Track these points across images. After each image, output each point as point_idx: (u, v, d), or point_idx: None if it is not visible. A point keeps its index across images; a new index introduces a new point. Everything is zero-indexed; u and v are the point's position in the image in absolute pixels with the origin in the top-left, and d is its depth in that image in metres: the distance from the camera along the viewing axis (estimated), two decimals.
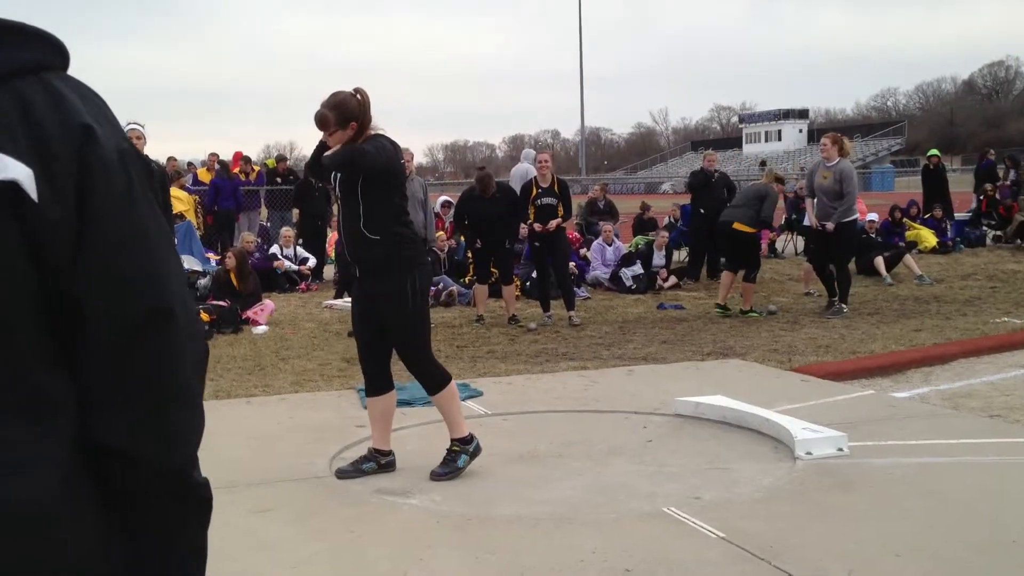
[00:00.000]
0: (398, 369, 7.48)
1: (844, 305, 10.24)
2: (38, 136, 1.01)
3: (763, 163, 14.25)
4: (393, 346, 4.81)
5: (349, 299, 11.52)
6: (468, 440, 4.85)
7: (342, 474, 4.79)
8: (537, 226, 9.72)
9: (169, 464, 1.11)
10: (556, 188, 9.86)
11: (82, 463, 1.06)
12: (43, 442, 1.01)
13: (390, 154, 4.60)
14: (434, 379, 4.78)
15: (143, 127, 8.55)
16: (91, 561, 1.06)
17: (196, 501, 1.16)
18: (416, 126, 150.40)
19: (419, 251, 4.81)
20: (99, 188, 1.04)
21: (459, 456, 4.83)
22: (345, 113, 4.52)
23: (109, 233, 1.05)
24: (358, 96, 4.59)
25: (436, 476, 4.75)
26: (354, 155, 4.50)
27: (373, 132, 4.64)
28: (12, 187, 0.97)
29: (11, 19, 1.04)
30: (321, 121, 4.55)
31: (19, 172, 0.98)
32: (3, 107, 1.00)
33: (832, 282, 10.43)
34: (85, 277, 1.04)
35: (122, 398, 1.07)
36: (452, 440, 4.85)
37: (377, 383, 4.83)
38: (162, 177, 8.85)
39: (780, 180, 11.13)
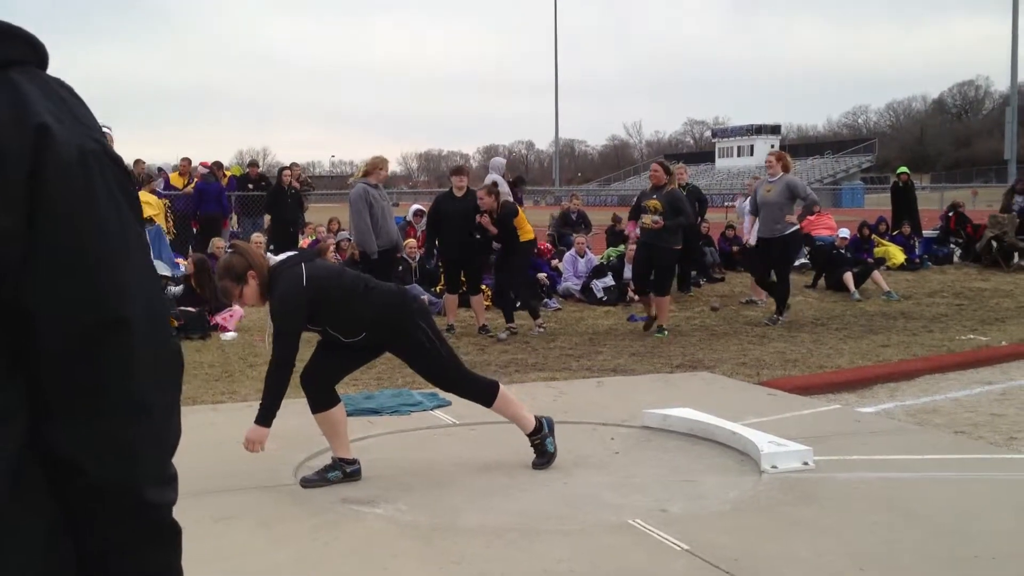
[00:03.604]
0: (367, 378, 7.46)
1: (781, 316, 10.61)
2: None
3: (755, 179, 14.57)
4: (430, 381, 5.07)
5: None
6: (539, 428, 5.06)
7: (307, 483, 4.76)
8: (484, 220, 9.82)
9: (115, 479, 1.05)
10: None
11: (36, 476, 1.02)
12: None
13: (293, 300, 4.57)
14: (482, 393, 4.96)
15: (110, 129, 8.48)
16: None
17: (152, 523, 1.10)
18: (390, 134, 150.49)
19: (400, 308, 4.82)
20: (52, 192, 0.98)
21: (545, 442, 5.05)
22: (236, 272, 4.60)
23: (61, 240, 0.99)
24: (235, 251, 4.78)
25: (538, 465, 5.02)
26: (277, 367, 4.60)
27: (274, 265, 4.68)
28: None
29: None
30: (225, 294, 4.74)
31: None
32: None
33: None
34: (35, 285, 0.99)
35: (69, 408, 1.02)
36: (528, 436, 5.06)
37: (323, 400, 4.85)
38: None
39: None
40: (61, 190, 0.99)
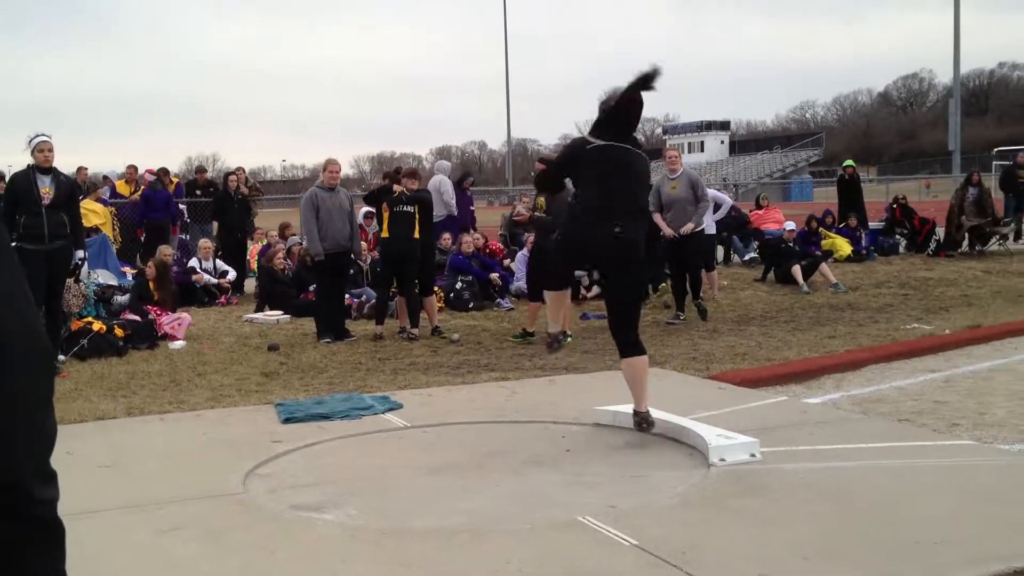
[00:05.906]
0: (319, 383, 7.42)
1: (682, 314, 10.61)
2: None
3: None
4: (621, 310, 5.61)
5: (270, 313, 11.41)
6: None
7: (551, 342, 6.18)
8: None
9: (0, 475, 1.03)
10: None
11: None
12: None
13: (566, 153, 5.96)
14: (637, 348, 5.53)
15: (49, 138, 8.37)
16: None
17: (39, 519, 1.07)
18: (343, 137, 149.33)
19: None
20: None
21: None
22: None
23: None
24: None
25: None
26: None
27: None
28: None
29: None
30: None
31: None
32: None
33: (684, 296, 10.73)
34: None
35: None
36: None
37: (637, 347, 5.46)
38: (72, 189, 8.63)
39: None
40: None
